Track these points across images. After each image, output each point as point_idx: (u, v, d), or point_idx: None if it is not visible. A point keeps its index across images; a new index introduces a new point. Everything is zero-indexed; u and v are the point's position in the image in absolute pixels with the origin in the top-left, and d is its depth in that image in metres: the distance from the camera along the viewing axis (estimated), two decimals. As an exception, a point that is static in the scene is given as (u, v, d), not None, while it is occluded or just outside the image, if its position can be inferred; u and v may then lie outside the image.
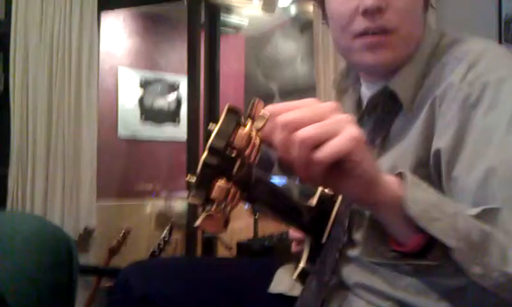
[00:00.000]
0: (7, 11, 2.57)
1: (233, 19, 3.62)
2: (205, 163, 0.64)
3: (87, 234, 2.57)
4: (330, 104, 0.58)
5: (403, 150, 0.79)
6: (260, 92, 4.51)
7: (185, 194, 3.15)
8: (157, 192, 3.91)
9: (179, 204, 3.26)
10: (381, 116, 0.84)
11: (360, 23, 0.80)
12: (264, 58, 4.48)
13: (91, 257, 2.68)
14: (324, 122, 0.56)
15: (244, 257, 2.42)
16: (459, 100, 0.72)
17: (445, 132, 0.73)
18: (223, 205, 0.66)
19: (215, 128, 0.64)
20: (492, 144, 0.69)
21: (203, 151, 0.65)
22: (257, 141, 0.67)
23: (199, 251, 2.68)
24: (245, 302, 1.02)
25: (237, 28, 3.80)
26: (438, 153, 0.74)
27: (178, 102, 4.30)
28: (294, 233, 0.98)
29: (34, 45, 2.44)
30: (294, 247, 0.99)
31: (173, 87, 4.29)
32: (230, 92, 4.33)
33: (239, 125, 0.65)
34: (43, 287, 1.32)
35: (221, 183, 0.65)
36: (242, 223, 2.82)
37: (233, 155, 0.65)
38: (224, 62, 3.27)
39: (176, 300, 1.00)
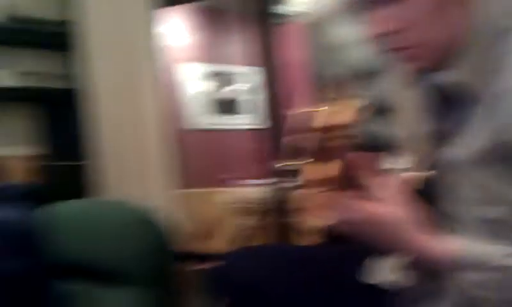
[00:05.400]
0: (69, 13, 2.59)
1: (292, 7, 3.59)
2: None
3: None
4: None
5: (482, 140, 0.77)
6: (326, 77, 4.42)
7: (258, 181, 3.15)
8: (231, 181, 3.94)
9: (256, 191, 3.25)
10: (456, 105, 0.82)
11: (389, 41, 0.81)
12: (328, 42, 4.38)
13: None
14: None
15: (335, 244, 2.35)
16: None
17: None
18: None
19: None
20: None
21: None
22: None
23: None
24: (342, 291, 0.98)
25: (298, 15, 3.78)
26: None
27: (239, 93, 4.34)
28: None
29: (100, 42, 2.47)
30: None
31: (234, 79, 4.33)
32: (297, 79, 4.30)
33: None
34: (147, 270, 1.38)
35: None
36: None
37: None
38: (287, 50, 3.27)
39: (280, 288, 0.99)
